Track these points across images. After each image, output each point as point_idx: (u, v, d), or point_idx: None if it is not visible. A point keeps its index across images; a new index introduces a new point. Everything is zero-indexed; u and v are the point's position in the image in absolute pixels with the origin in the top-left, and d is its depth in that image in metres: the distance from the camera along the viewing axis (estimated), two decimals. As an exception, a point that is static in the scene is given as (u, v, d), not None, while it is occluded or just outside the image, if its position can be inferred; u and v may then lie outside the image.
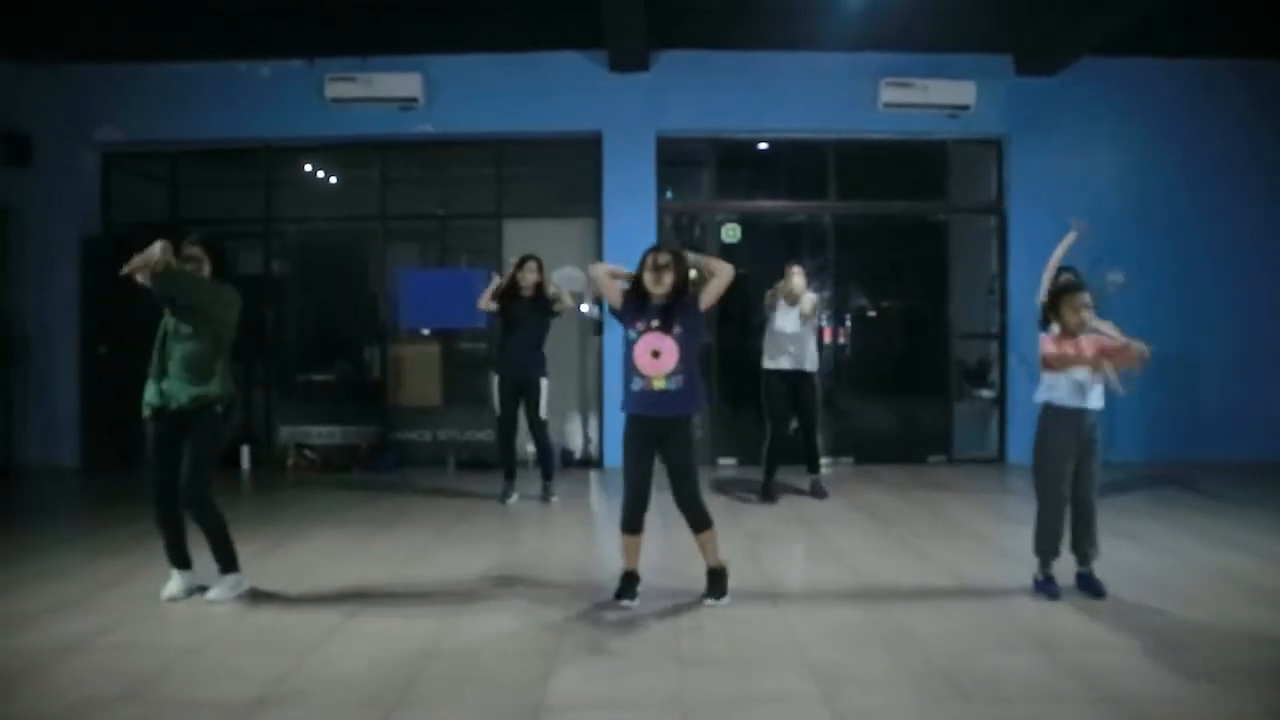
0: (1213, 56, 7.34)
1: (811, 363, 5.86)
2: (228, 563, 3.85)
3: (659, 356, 3.60)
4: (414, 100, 7.20)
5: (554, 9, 6.95)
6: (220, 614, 3.65)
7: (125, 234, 7.63)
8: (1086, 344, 3.80)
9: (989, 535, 4.99)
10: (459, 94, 7.29)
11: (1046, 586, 3.82)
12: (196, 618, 3.61)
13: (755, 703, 2.74)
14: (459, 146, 7.62)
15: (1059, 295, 3.82)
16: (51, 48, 7.18)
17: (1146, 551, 4.59)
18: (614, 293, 3.76)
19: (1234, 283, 7.43)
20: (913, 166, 7.76)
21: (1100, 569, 4.12)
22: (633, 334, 3.64)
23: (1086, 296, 3.78)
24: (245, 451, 7.43)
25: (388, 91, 7.16)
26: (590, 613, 3.61)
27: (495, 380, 5.95)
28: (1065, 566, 3.90)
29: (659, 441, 3.68)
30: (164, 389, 3.72)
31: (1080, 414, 3.77)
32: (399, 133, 7.41)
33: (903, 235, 7.97)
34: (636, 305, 3.68)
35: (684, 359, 3.60)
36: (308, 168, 8.11)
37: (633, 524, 3.71)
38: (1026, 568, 4.07)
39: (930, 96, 7.18)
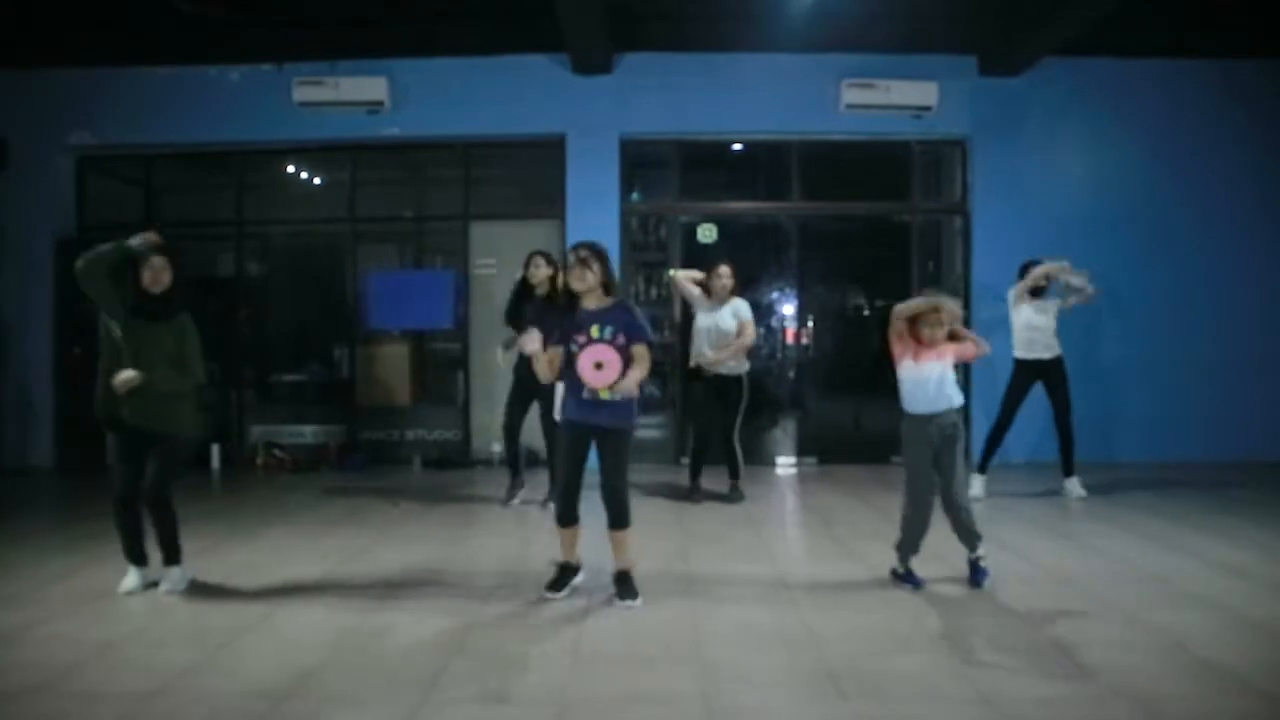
0: (1177, 56, 7.32)
1: (737, 365, 5.83)
2: (174, 554, 3.98)
3: (602, 368, 3.63)
4: (380, 104, 7.29)
5: (517, 14, 7.04)
6: (147, 610, 3.73)
7: (100, 237, 7.73)
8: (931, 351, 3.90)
9: (929, 536, 5.00)
10: (425, 97, 7.36)
11: (908, 579, 3.96)
12: (122, 613, 3.70)
13: (635, 700, 2.79)
14: (426, 149, 7.71)
15: (921, 313, 3.90)
16: (25, 52, 7.30)
17: (1079, 553, 4.61)
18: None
19: (1207, 281, 7.40)
20: (876, 167, 7.77)
21: (1030, 572, 4.19)
22: (574, 347, 3.67)
23: (943, 316, 3.87)
24: (215, 450, 7.55)
25: (354, 95, 7.25)
26: (504, 609, 3.68)
27: (512, 380, 5.81)
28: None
29: (595, 440, 3.75)
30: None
31: (929, 418, 3.89)
32: (367, 136, 7.50)
33: (867, 236, 8.00)
34: (569, 314, 3.70)
35: (625, 371, 3.63)
36: (279, 170, 8.22)
37: (566, 517, 3.78)
38: (952, 568, 4.12)
39: (893, 97, 7.19)
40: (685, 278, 5.94)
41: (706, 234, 7.84)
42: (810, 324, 7.78)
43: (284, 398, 7.87)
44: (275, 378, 7.95)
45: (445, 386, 7.84)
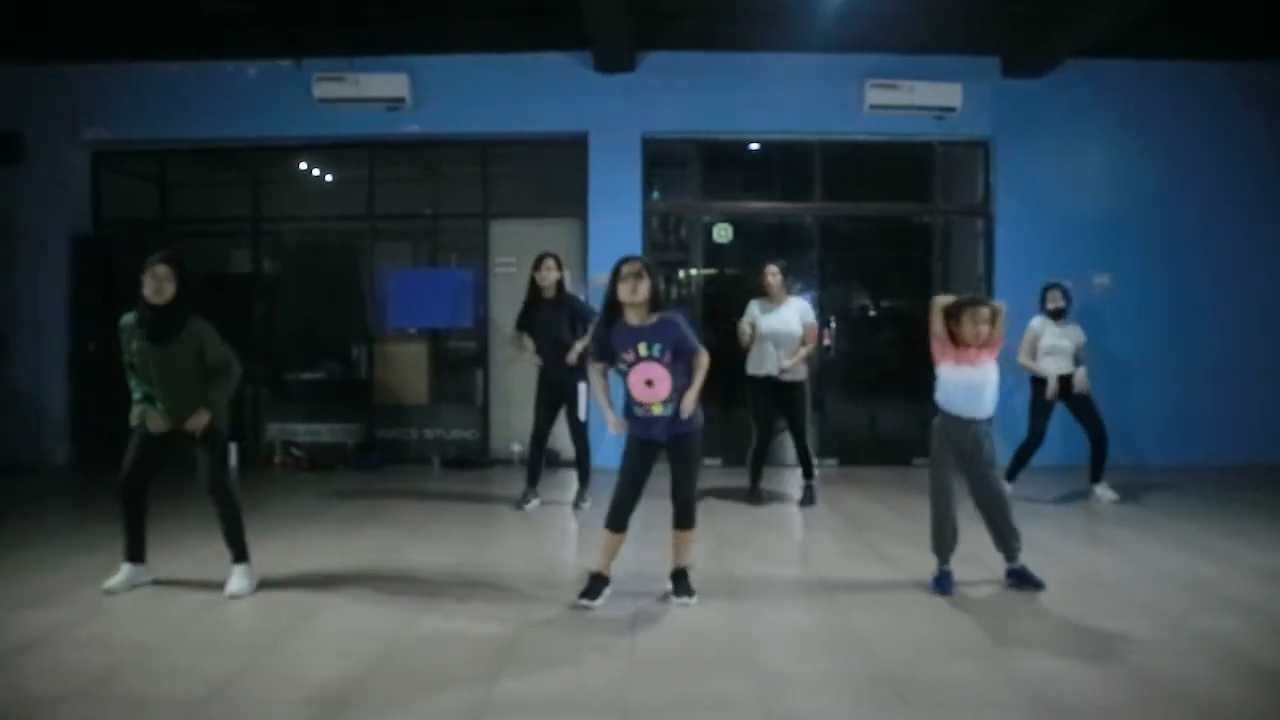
0: (1201, 58, 7.30)
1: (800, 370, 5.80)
2: (241, 552, 3.96)
3: (653, 385, 3.65)
4: (401, 100, 7.23)
5: (539, 12, 7.00)
6: (183, 612, 3.68)
7: (115, 232, 7.73)
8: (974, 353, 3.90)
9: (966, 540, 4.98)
10: (446, 95, 7.31)
11: (941, 582, 3.94)
12: (158, 614, 3.65)
13: (695, 705, 2.77)
14: (446, 147, 7.65)
15: (962, 305, 3.88)
16: (42, 47, 7.24)
17: (1116, 557, 4.59)
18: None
19: (1221, 285, 7.39)
20: (899, 168, 7.74)
21: (1067, 575, 4.17)
22: (623, 366, 3.69)
23: (986, 312, 3.85)
24: (233, 449, 7.48)
25: (375, 92, 7.19)
26: (549, 612, 3.64)
27: (537, 385, 5.76)
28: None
29: (663, 449, 3.75)
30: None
31: (967, 423, 3.90)
32: (386, 133, 7.44)
33: (889, 237, 7.96)
34: (617, 331, 3.69)
35: (676, 383, 3.65)
36: (296, 167, 8.15)
37: (619, 522, 3.75)
38: (989, 570, 4.12)
39: (916, 98, 7.16)
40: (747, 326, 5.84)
41: (722, 234, 7.81)
42: (831, 324, 7.73)
43: (301, 396, 7.80)
44: (292, 376, 7.88)
45: (463, 386, 7.79)
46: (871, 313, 8.05)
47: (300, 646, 3.29)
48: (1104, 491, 5.95)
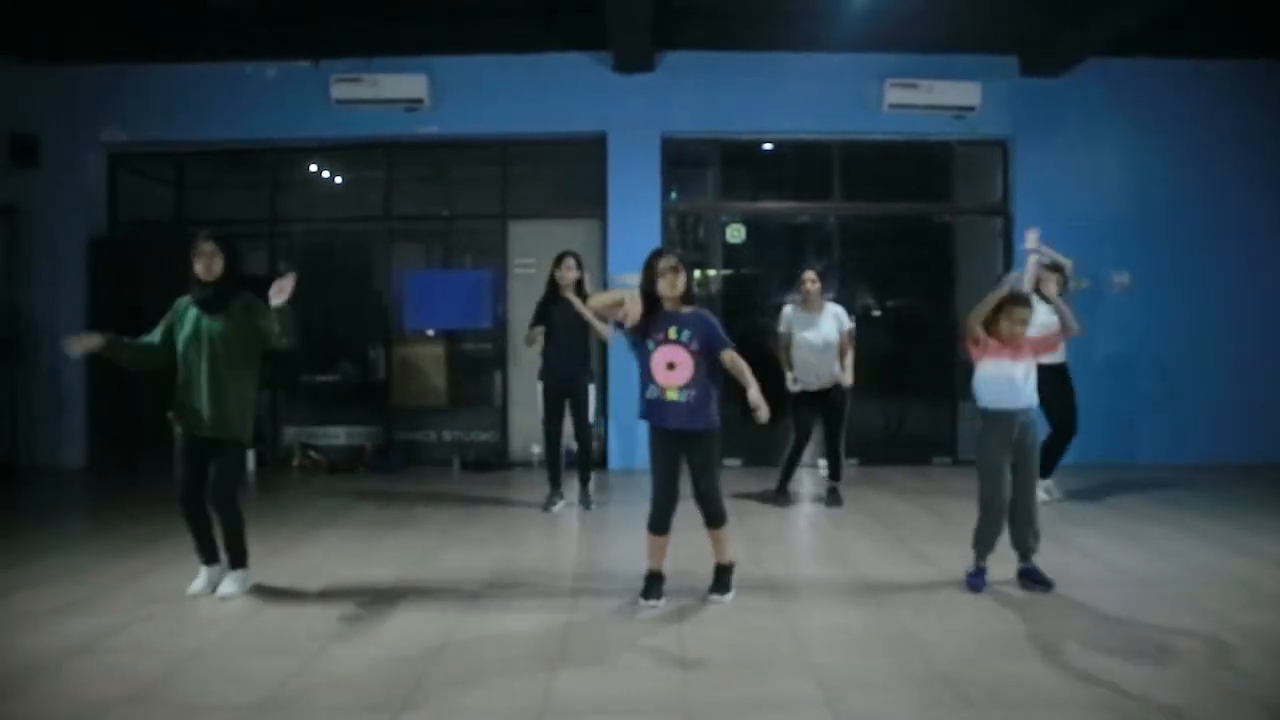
0: (1220, 58, 7.31)
1: (842, 374, 5.75)
2: (239, 558, 3.94)
3: (674, 369, 3.65)
4: (419, 101, 7.20)
5: (558, 11, 6.98)
6: (227, 616, 3.66)
7: (131, 234, 7.69)
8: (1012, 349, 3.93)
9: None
10: (464, 95, 7.29)
11: (975, 578, 3.96)
12: (203, 619, 3.63)
13: (758, 706, 2.75)
14: (464, 147, 7.63)
15: (1004, 302, 3.89)
16: (58, 48, 7.21)
17: (1148, 555, 4.59)
18: (633, 310, 3.71)
19: (1238, 285, 7.40)
20: (918, 168, 7.75)
21: (1104, 573, 4.17)
22: (650, 344, 3.68)
23: (1026, 313, 3.88)
24: (251, 452, 7.45)
25: (393, 93, 7.17)
26: (594, 614, 3.63)
27: (539, 388, 5.75)
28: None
29: (681, 445, 3.74)
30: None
31: (1012, 415, 3.88)
32: (404, 134, 7.43)
33: (908, 237, 7.96)
34: (651, 316, 3.70)
35: (698, 374, 3.64)
36: (313, 168, 8.13)
37: (660, 524, 3.76)
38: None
39: (935, 97, 7.16)
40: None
41: (735, 234, 7.80)
42: (851, 324, 7.72)
43: (319, 399, 7.78)
44: (309, 378, 7.84)
45: (483, 387, 7.77)
46: (891, 312, 8.03)
47: (350, 650, 3.26)
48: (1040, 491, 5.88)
